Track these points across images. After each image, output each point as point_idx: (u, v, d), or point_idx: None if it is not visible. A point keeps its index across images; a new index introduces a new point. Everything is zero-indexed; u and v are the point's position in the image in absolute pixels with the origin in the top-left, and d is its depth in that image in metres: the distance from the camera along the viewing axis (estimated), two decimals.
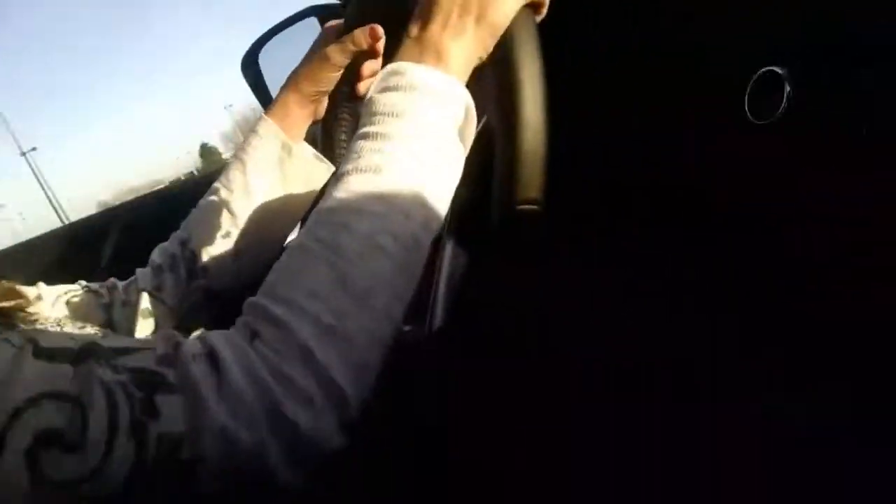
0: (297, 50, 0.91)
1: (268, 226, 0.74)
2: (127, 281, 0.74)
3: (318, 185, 0.75)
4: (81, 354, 0.39)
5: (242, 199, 0.73)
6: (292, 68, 0.75)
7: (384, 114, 0.49)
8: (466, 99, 0.52)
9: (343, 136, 0.75)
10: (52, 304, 0.68)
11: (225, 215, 0.73)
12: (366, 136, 0.49)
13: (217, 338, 0.42)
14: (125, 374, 0.39)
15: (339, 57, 0.70)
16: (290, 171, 0.74)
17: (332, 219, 0.46)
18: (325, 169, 0.76)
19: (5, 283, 0.52)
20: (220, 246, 0.72)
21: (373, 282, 0.45)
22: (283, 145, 0.73)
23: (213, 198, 0.74)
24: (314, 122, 0.76)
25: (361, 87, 0.71)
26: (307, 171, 0.75)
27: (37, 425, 0.36)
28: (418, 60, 0.51)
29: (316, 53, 0.72)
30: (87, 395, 0.37)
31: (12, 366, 0.37)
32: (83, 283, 0.73)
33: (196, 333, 0.44)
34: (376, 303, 0.45)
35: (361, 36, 0.68)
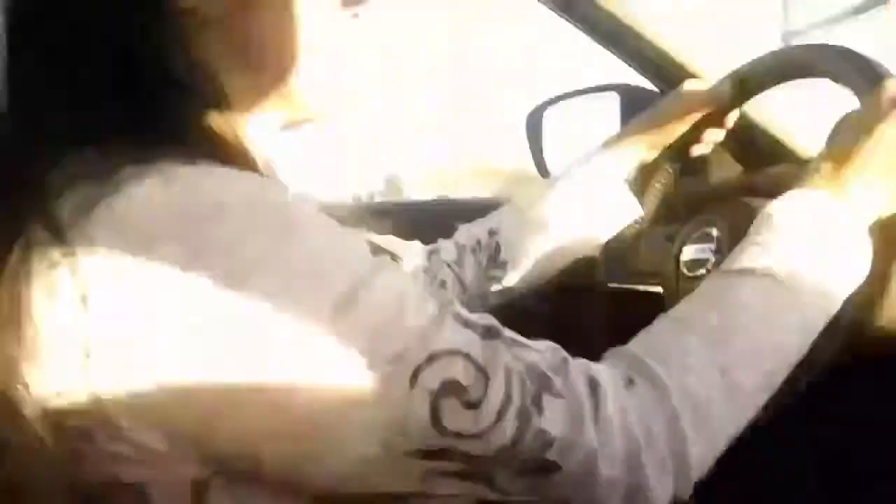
0: (584, 117, 0.96)
1: (567, 246, 0.77)
2: (430, 247, 0.79)
3: (620, 219, 0.79)
4: (489, 332, 0.43)
5: (558, 213, 0.76)
6: (574, 134, 0.79)
7: (794, 239, 0.52)
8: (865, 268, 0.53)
9: (658, 185, 0.80)
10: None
11: (538, 221, 0.76)
12: (769, 251, 0.51)
13: (600, 369, 0.46)
14: (521, 364, 0.43)
15: (694, 113, 0.75)
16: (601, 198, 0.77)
17: (729, 315, 0.49)
18: (631, 206, 0.78)
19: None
20: (525, 248, 0.76)
21: (753, 381, 0.49)
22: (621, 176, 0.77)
23: (534, 202, 0.77)
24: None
25: (695, 149, 0.78)
26: (615, 202, 0.78)
27: (445, 374, 0.40)
28: (827, 199, 0.53)
29: (673, 108, 0.77)
30: (491, 368, 0.41)
31: (438, 318, 0.42)
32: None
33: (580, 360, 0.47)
34: (746, 401, 0.49)
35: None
